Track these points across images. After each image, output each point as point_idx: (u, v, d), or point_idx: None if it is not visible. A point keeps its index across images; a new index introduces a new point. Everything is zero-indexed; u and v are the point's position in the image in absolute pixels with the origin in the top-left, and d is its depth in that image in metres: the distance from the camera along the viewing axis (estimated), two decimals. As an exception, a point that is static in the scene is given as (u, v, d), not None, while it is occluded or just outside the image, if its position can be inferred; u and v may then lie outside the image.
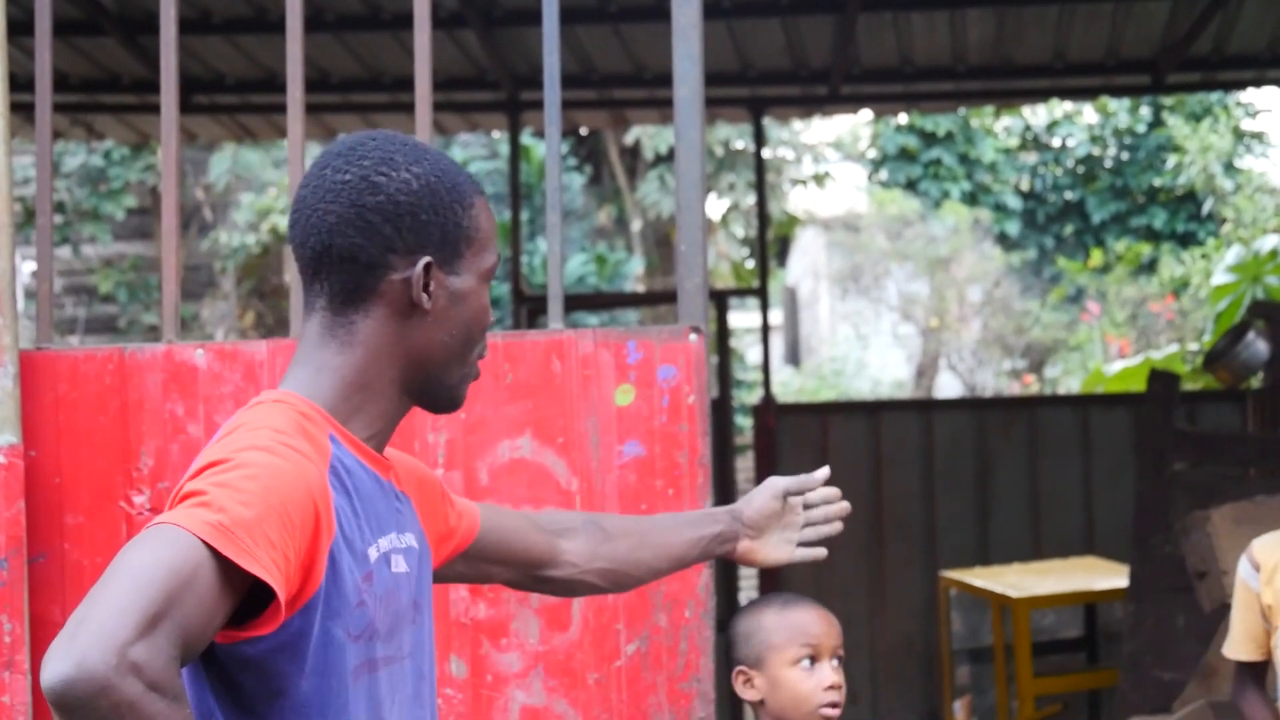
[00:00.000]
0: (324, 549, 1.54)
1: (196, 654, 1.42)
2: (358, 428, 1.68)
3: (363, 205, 1.66)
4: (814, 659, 2.33)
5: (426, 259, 1.66)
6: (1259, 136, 15.92)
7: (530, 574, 2.10)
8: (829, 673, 2.33)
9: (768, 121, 8.90)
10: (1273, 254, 8.89)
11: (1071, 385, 14.69)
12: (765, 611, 2.39)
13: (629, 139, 14.50)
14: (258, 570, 1.43)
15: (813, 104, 7.39)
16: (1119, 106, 16.63)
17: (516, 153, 7.50)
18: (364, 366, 1.68)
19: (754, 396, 12.75)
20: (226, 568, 1.42)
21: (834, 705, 2.32)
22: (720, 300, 7.76)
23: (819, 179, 16.02)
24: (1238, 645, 2.93)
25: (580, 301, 11.20)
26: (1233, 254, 9.49)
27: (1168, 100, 15.84)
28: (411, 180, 1.67)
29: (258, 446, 1.54)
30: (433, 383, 1.73)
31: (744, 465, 11.17)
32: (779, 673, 2.34)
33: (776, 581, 6.88)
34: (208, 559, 1.41)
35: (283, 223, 11.30)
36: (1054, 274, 16.63)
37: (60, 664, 1.31)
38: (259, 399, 1.68)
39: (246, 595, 1.47)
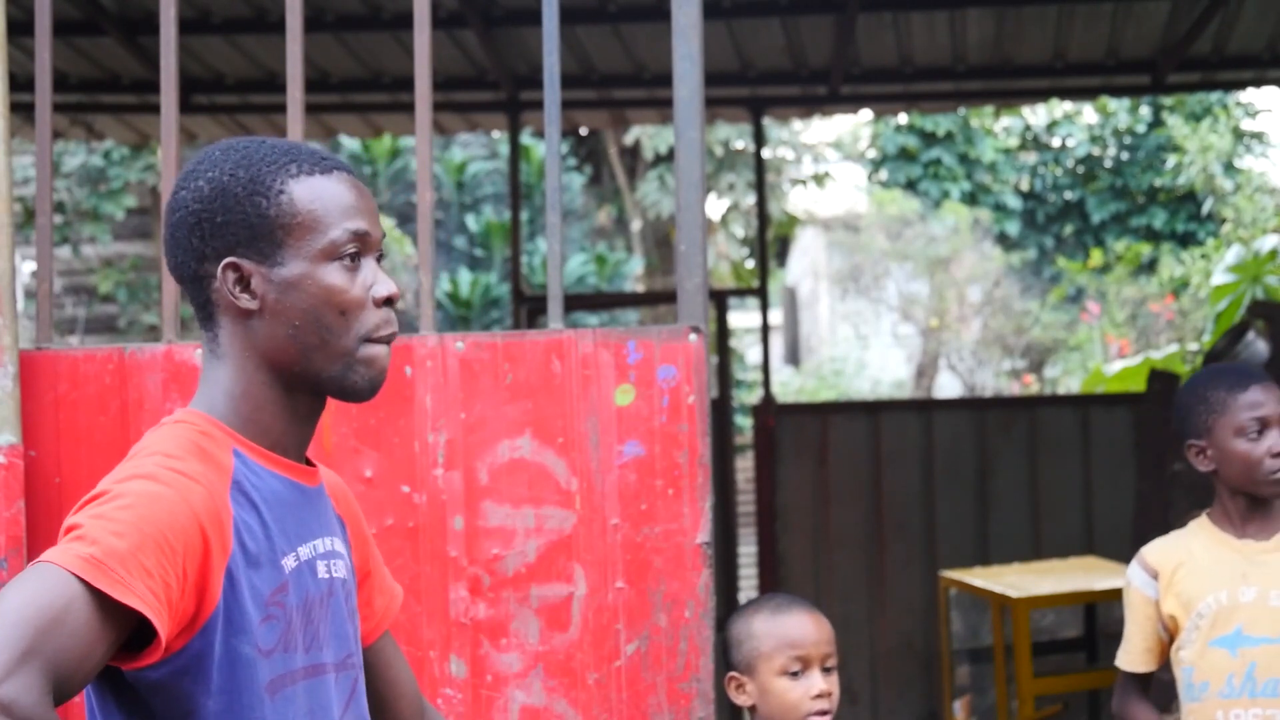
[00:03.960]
0: (217, 569, 1.54)
1: (80, 686, 1.43)
2: (259, 437, 1.67)
3: (172, 224, 1.68)
4: (803, 667, 2.34)
5: (228, 259, 1.64)
6: (1259, 136, 15.93)
7: None
8: (817, 680, 2.33)
9: (767, 121, 8.89)
10: (1273, 254, 8.89)
11: (1071, 385, 14.69)
12: (756, 617, 2.40)
13: (629, 139, 14.50)
14: (131, 600, 1.43)
15: (813, 104, 7.38)
16: (1119, 106, 16.63)
17: (516, 153, 7.49)
18: (236, 376, 1.67)
19: (754, 396, 12.75)
20: (102, 600, 1.43)
21: (822, 713, 2.32)
22: (720, 300, 7.76)
23: (819, 179, 16.03)
24: (1137, 658, 2.87)
25: (580, 301, 11.21)
26: (1232, 254, 9.49)
27: (1168, 100, 15.84)
28: (204, 186, 1.66)
29: (138, 475, 1.54)
30: (309, 376, 1.67)
31: (744, 465, 11.17)
32: (767, 681, 2.34)
33: (776, 581, 6.88)
34: (80, 593, 1.42)
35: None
36: (1054, 274, 16.64)
37: None
38: (164, 420, 1.69)
39: (137, 623, 1.47)
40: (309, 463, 1.75)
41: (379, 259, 1.72)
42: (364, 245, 1.68)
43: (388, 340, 1.69)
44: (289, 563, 1.64)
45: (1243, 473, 2.76)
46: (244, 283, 1.65)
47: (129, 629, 1.47)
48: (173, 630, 1.50)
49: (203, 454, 1.60)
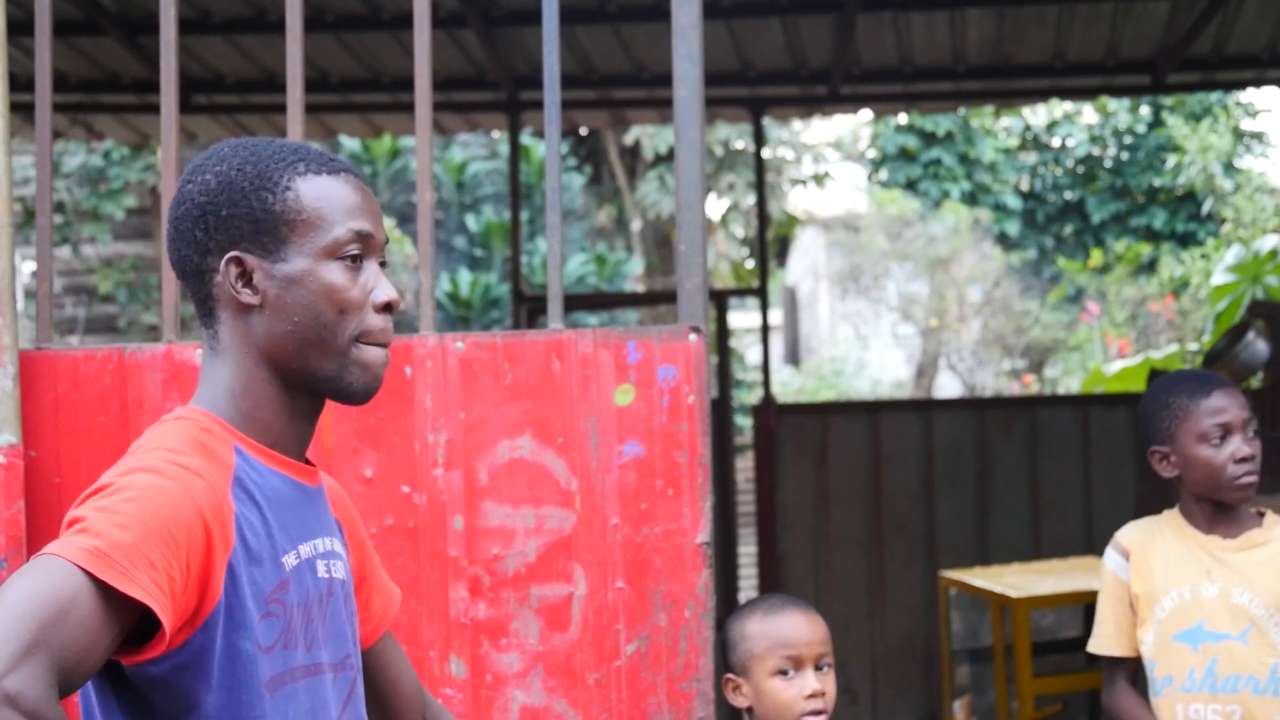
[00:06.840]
0: (220, 564, 1.54)
1: (84, 679, 1.43)
2: (260, 435, 1.68)
3: (176, 218, 1.69)
4: (796, 667, 2.34)
5: (231, 253, 1.65)
6: (1259, 136, 15.92)
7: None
8: (810, 680, 2.34)
9: (767, 121, 8.89)
10: (1272, 254, 8.89)
11: (1071, 385, 14.69)
12: (750, 619, 2.41)
13: (629, 139, 14.50)
14: (136, 593, 1.43)
15: (813, 104, 7.38)
16: (1119, 106, 16.64)
17: (516, 153, 7.49)
18: (235, 373, 1.68)
19: (754, 396, 12.75)
20: (106, 593, 1.42)
21: (816, 712, 2.33)
22: (720, 300, 7.76)
23: (819, 179, 16.03)
24: (1109, 640, 2.87)
25: (580, 301, 11.20)
26: (1232, 254, 9.49)
27: (1168, 100, 15.85)
28: (210, 180, 1.67)
29: (142, 468, 1.54)
30: (306, 374, 1.68)
31: (744, 465, 11.17)
32: (761, 682, 2.35)
33: (776, 581, 6.88)
34: (85, 585, 1.42)
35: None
36: (1054, 274, 16.65)
37: None
38: (165, 417, 1.69)
39: (140, 617, 1.47)
40: (309, 463, 1.75)
41: (381, 265, 1.73)
42: (366, 247, 1.69)
43: (383, 345, 1.70)
44: (290, 560, 1.64)
45: (1207, 479, 2.76)
46: (246, 278, 1.66)
47: (132, 622, 1.47)
48: (175, 624, 1.49)
49: (205, 450, 1.60)
